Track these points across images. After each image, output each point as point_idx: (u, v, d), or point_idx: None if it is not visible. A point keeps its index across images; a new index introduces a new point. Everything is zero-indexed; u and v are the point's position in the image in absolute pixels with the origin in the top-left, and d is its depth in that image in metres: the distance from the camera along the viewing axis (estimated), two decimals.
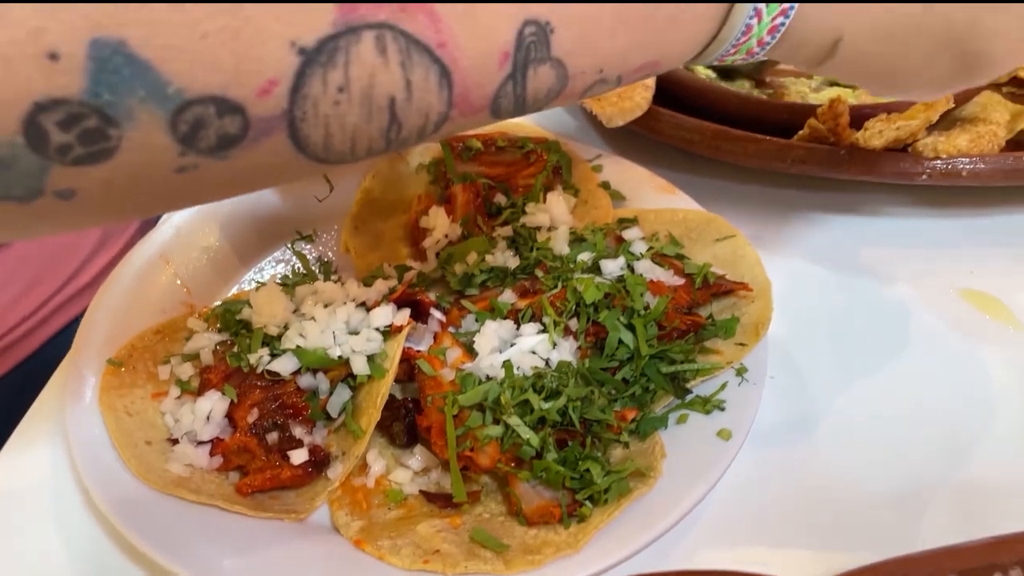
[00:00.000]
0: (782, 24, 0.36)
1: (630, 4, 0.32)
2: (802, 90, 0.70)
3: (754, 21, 0.35)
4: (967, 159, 0.59)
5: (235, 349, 0.51)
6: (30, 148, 0.24)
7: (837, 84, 0.70)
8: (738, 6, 0.34)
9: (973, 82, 0.41)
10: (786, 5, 0.35)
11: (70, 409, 0.47)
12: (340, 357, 0.49)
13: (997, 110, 0.65)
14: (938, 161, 0.59)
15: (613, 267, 0.53)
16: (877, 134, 0.58)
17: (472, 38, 0.29)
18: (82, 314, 0.79)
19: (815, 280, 0.60)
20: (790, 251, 0.62)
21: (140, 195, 0.27)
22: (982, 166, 0.58)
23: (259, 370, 0.49)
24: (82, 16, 0.23)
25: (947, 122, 0.63)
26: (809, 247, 0.63)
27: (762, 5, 0.35)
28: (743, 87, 0.71)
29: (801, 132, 0.62)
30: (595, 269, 0.54)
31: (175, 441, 0.48)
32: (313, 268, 0.59)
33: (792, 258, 0.62)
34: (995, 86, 0.70)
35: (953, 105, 0.59)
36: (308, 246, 0.63)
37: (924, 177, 0.59)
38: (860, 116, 0.60)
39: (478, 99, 0.30)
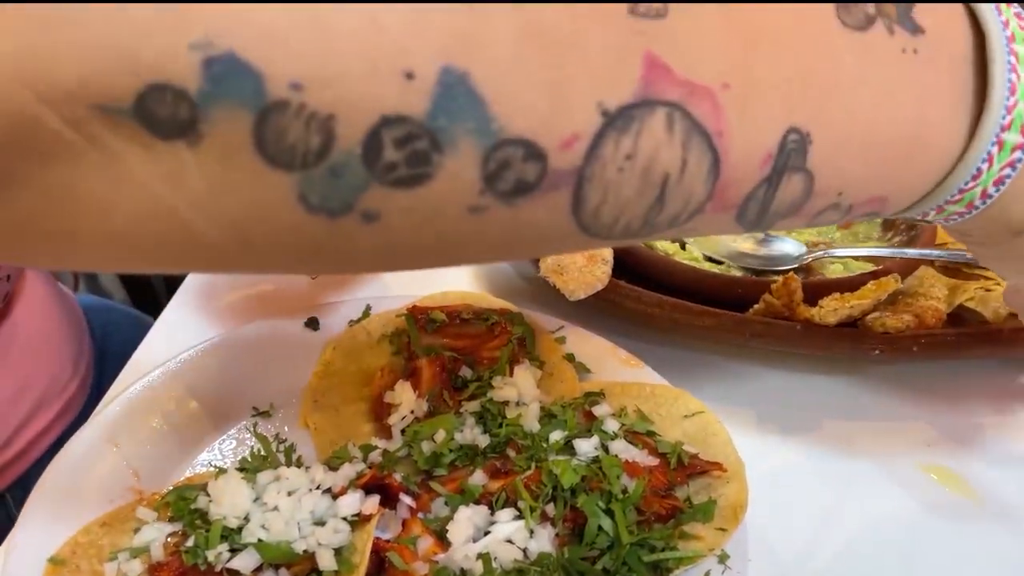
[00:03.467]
0: (1009, 176, 0.34)
1: (878, 128, 0.32)
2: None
3: (984, 166, 0.34)
4: (916, 334, 0.61)
5: (190, 543, 0.48)
6: (363, 160, 0.24)
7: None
8: (972, 146, 0.33)
9: None
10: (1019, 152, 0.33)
11: None
12: (305, 551, 0.47)
13: (935, 285, 0.68)
14: (889, 337, 0.61)
15: (587, 447, 0.53)
16: (832, 312, 0.60)
17: (743, 133, 0.29)
18: (9, 489, 0.74)
19: (780, 454, 0.61)
20: (754, 424, 0.63)
21: (428, 234, 0.27)
22: (931, 341, 0.61)
23: (217, 568, 0.46)
24: (438, 43, 0.24)
25: (890, 297, 0.66)
26: (772, 420, 0.63)
27: (995, 149, 0.33)
28: (695, 257, 0.74)
29: (757, 306, 0.64)
30: (568, 448, 0.54)
31: None
32: (274, 450, 0.57)
33: (756, 432, 0.62)
34: (928, 261, 0.74)
35: (902, 285, 0.62)
36: (265, 422, 0.60)
37: (877, 352, 0.61)
38: (813, 292, 0.63)
39: (733, 196, 0.30)
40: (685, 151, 0.28)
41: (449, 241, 0.28)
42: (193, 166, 0.23)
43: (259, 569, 0.46)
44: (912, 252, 0.70)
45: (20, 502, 0.74)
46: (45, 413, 0.76)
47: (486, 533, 0.49)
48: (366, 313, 0.67)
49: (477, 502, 0.51)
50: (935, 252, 0.70)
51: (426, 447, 0.55)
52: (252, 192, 0.24)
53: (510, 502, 0.50)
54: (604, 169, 0.27)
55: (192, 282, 0.77)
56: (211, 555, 0.46)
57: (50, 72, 0.21)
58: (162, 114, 0.22)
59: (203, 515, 0.49)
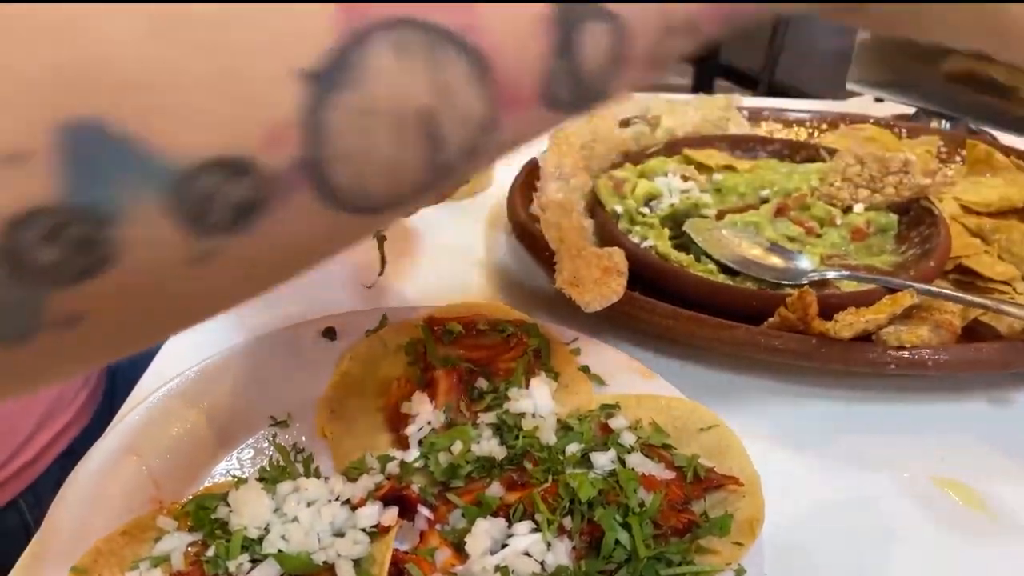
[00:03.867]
0: None
1: None
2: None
3: None
4: (931, 349, 0.61)
5: (210, 552, 0.48)
6: (14, 277, 0.19)
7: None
8: None
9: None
10: None
11: None
12: (325, 562, 0.47)
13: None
14: (904, 352, 0.61)
15: (604, 460, 0.53)
16: (847, 326, 0.60)
17: (497, 10, 0.23)
18: (22, 495, 0.75)
19: (794, 467, 0.61)
20: (768, 437, 0.63)
21: (160, 306, 0.22)
22: (946, 356, 0.61)
23: None
24: (38, 100, 0.18)
25: (905, 311, 0.66)
26: (786, 433, 0.64)
27: None
28: (709, 270, 0.74)
29: (771, 320, 0.65)
30: (584, 461, 0.54)
31: None
32: (293, 460, 0.57)
33: (770, 445, 0.62)
34: (943, 274, 0.75)
35: (917, 300, 0.62)
36: (282, 432, 0.61)
37: (892, 367, 0.61)
38: (827, 306, 0.63)
39: (524, 86, 0.24)
40: (434, 70, 0.22)
41: (196, 299, 0.23)
42: None
43: None
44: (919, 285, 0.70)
45: (33, 508, 0.75)
46: (55, 421, 0.77)
47: (504, 546, 0.49)
48: (383, 323, 0.67)
49: (494, 514, 0.51)
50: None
51: (443, 458, 0.55)
52: None
53: (527, 515, 0.51)
54: (342, 140, 0.21)
55: None
56: (232, 565, 0.46)
57: None
58: None
59: (223, 525, 0.50)
